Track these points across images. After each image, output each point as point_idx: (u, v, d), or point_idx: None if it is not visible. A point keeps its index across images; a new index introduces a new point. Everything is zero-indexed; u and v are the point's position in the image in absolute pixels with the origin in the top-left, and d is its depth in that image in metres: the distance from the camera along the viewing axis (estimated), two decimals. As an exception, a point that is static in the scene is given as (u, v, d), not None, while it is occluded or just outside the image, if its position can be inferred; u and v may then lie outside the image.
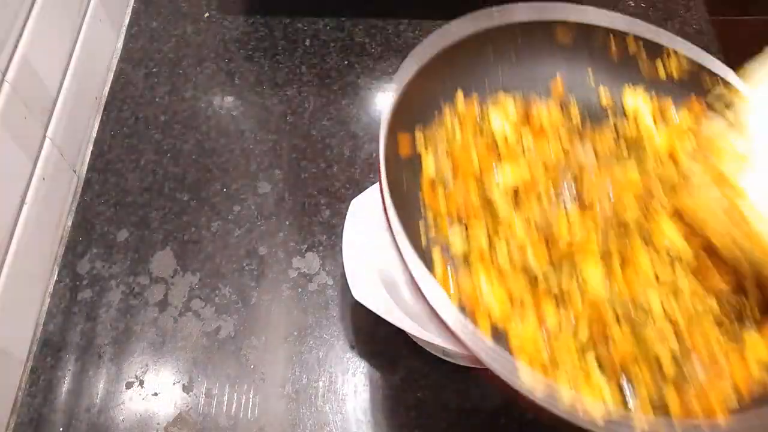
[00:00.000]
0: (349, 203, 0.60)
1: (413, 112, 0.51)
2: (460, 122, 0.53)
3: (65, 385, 0.61)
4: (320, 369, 0.61)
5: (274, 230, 0.69)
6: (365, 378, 0.61)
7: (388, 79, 0.80)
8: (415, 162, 0.51)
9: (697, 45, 0.82)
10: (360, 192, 0.61)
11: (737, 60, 0.90)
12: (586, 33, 0.57)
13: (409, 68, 0.50)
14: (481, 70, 0.56)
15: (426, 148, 0.51)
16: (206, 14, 0.86)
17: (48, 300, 0.65)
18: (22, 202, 0.63)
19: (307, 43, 0.83)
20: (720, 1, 0.97)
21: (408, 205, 0.48)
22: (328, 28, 0.84)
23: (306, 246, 0.68)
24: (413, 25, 0.84)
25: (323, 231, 0.68)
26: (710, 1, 0.86)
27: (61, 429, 0.58)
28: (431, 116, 0.53)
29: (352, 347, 0.62)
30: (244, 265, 0.67)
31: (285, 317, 0.64)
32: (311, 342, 0.62)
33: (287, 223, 0.69)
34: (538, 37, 0.56)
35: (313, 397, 0.60)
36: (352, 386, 0.60)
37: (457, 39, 0.53)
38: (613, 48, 0.58)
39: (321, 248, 0.67)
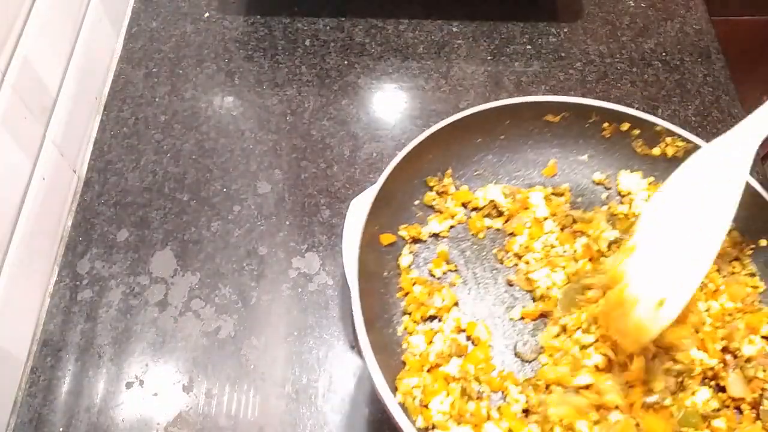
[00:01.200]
0: (349, 203, 0.60)
1: (398, 203, 0.51)
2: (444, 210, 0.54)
3: (65, 385, 0.61)
4: (320, 369, 0.61)
5: (274, 230, 0.69)
6: (365, 378, 0.61)
7: (388, 79, 0.80)
8: (396, 249, 0.51)
9: (697, 45, 0.82)
10: (360, 192, 0.61)
11: (737, 60, 0.90)
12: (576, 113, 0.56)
13: (393, 163, 0.50)
14: (470, 154, 0.55)
15: (409, 243, 0.52)
16: (206, 14, 0.86)
17: (48, 300, 0.65)
18: (22, 202, 0.63)
19: (307, 43, 0.83)
20: (720, 1, 0.97)
21: (385, 292, 0.48)
22: (328, 28, 0.84)
23: (306, 246, 0.68)
24: (413, 25, 0.84)
25: (323, 231, 0.68)
26: (710, 1, 0.87)
27: (61, 429, 0.58)
28: (413, 206, 0.53)
29: (352, 347, 0.62)
30: (244, 265, 0.67)
31: (285, 317, 0.64)
32: (311, 342, 0.62)
33: (287, 223, 0.69)
34: (527, 117, 0.55)
35: (313, 397, 0.60)
36: (352, 386, 0.60)
37: (443, 125, 0.52)
38: (606, 129, 0.56)
39: (321, 248, 0.67)
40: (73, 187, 0.72)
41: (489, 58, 0.81)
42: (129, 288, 0.65)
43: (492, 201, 0.55)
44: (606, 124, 0.56)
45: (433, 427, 0.44)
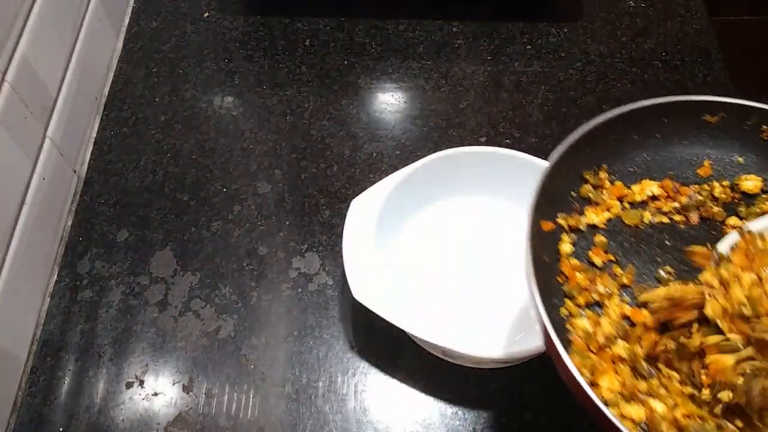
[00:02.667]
0: (349, 203, 0.60)
1: (555, 192, 0.52)
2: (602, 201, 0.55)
3: (65, 385, 0.61)
4: (320, 369, 0.61)
5: (274, 230, 0.69)
6: (365, 378, 0.61)
7: (388, 79, 0.80)
8: (555, 235, 0.52)
9: (697, 45, 0.82)
10: (360, 192, 0.61)
11: (737, 60, 0.90)
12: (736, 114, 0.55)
13: (557, 152, 0.51)
14: (625, 150, 0.55)
15: (566, 231, 0.53)
16: (206, 14, 0.86)
17: (48, 300, 0.65)
18: (22, 202, 0.63)
19: (307, 43, 0.83)
20: (720, 1, 0.97)
21: (547, 275, 0.49)
22: (328, 28, 0.84)
23: (306, 246, 0.68)
24: (413, 25, 0.84)
25: (323, 231, 0.69)
26: (710, 1, 0.87)
27: (61, 429, 0.58)
28: (570, 197, 0.54)
29: (352, 347, 0.62)
30: (244, 265, 0.67)
31: (285, 317, 0.64)
32: (311, 342, 0.62)
33: (287, 223, 0.69)
34: (686, 118, 0.55)
35: (313, 397, 0.60)
36: (352, 386, 0.60)
37: (602, 121, 0.52)
38: (765, 132, 0.55)
39: (321, 248, 0.67)
40: (73, 187, 0.72)
41: (489, 58, 0.81)
42: (129, 288, 0.65)
43: (651, 194, 0.55)
44: (765, 127, 0.56)
45: (606, 404, 0.44)
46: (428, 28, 0.84)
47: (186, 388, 0.60)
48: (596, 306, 0.51)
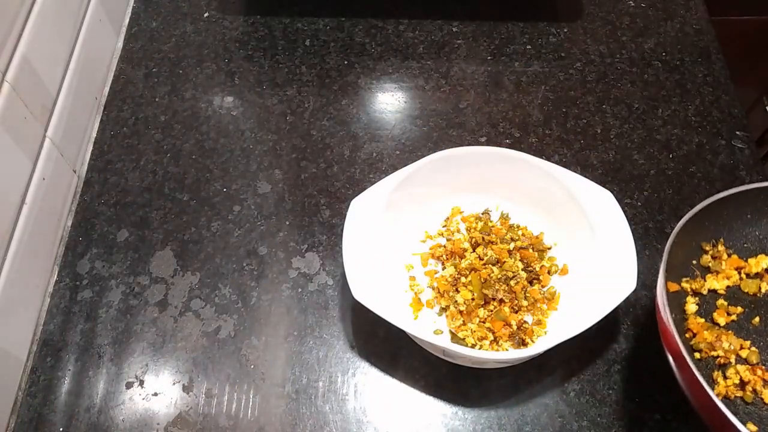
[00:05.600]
0: (349, 203, 0.60)
1: (678, 260, 0.57)
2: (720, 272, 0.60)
3: (65, 385, 0.61)
4: (320, 369, 0.61)
5: (274, 230, 0.69)
6: (365, 378, 0.61)
7: (388, 79, 0.80)
8: (680, 297, 0.58)
9: (697, 45, 0.83)
10: (360, 192, 0.61)
11: (737, 60, 0.90)
12: None
13: (680, 223, 0.55)
14: (740, 227, 0.61)
15: (690, 294, 0.58)
16: (206, 14, 0.86)
17: (48, 300, 0.65)
18: (22, 202, 0.63)
19: (307, 43, 0.83)
20: (720, 1, 0.97)
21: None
22: (328, 28, 0.84)
23: (306, 246, 0.68)
24: (413, 25, 0.84)
25: (323, 231, 0.68)
26: (710, 1, 0.87)
27: (61, 429, 0.58)
28: (692, 265, 0.60)
29: (352, 347, 0.62)
30: (244, 265, 0.67)
31: (285, 317, 0.64)
32: (311, 342, 0.62)
33: (287, 223, 0.69)
34: None
35: (313, 397, 0.60)
36: (352, 386, 0.60)
37: (719, 198, 0.57)
38: None
39: (321, 248, 0.67)
40: (73, 187, 0.72)
41: (489, 58, 0.81)
42: (129, 288, 0.65)
43: (766, 267, 0.60)
44: None
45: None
46: (428, 28, 0.84)
47: (186, 388, 0.60)
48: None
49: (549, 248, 0.65)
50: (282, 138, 0.75)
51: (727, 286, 0.59)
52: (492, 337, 0.59)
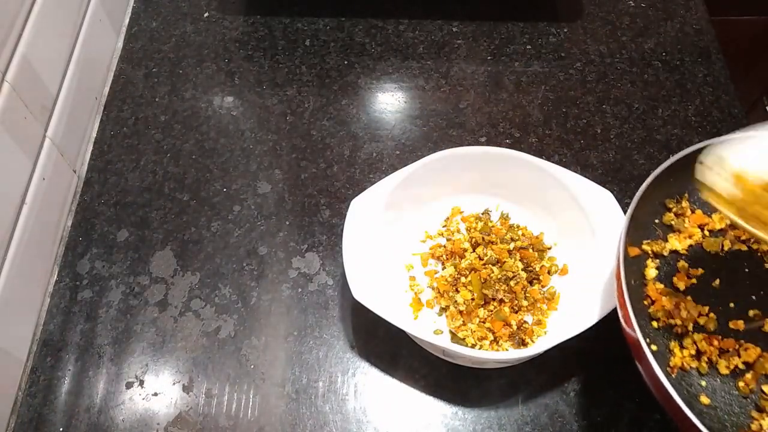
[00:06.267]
0: (349, 203, 0.60)
1: (640, 220, 0.56)
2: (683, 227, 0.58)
3: (65, 385, 0.61)
4: (320, 369, 0.61)
5: (274, 230, 0.69)
6: (365, 378, 0.61)
7: (388, 79, 0.80)
8: (641, 261, 0.56)
9: (697, 45, 0.82)
10: (360, 192, 0.61)
11: (737, 60, 0.90)
12: None
13: (646, 182, 0.55)
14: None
15: (651, 257, 0.57)
16: (206, 14, 0.86)
17: (48, 300, 0.65)
18: (22, 202, 0.63)
19: (307, 43, 0.83)
20: (720, 1, 0.97)
21: (633, 298, 0.53)
22: (328, 28, 0.84)
23: (306, 246, 0.68)
24: (413, 25, 0.84)
25: (323, 231, 0.69)
26: (710, 1, 0.87)
27: (61, 429, 0.58)
28: (654, 224, 0.58)
29: (352, 347, 0.62)
30: (244, 265, 0.67)
31: (285, 317, 0.64)
32: (311, 342, 0.62)
33: (287, 223, 0.69)
34: None
35: (313, 397, 0.60)
36: (352, 386, 0.60)
37: (685, 154, 0.56)
38: None
39: (321, 248, 0.67)
40: (73, 187, 0.72)
41: (489, 58, 0.81)
42: (129, 288, 0.65)
43: (730, 222, 0.59)
44: None
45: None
46: (428, 28, 0.84)
47: (186, 388, 0.60)
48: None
49: (549, 248, 0.65)
50: (282, 138, 0.75)
51: (690, 245, 0.57)
52: (492, 337, 0.59)
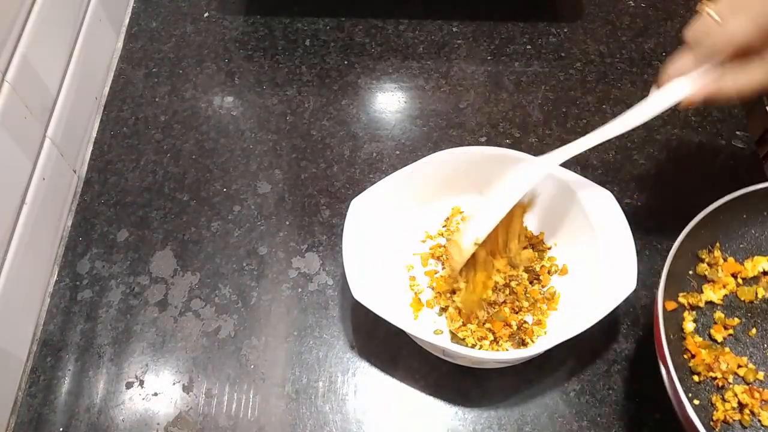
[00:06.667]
0: (349, 203, 0.60)
1: (675, 273, 0.56)
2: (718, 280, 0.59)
3: (65, 385, 0.61)
4: (320, 369, 0.61)
5: (274, 230, 0.69)
6: (365, 378, 0.61)
7: (388, 79, 0.80)
8: (678, 314, 0.57)
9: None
10: (360, 192, 0.61)
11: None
12: None
13: (681, 236, 0.55)
14: (735, 228, 0.61)
15: (687, 309, 0.58)
16: (206, 14, 0.86)
17: (48, 300, 0.65)
18: (22, 202, 0.63)
19: (307, 43, 0.83)
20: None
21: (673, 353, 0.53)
22: (328, 28, 0.84)
23: (306, 246, 0.68)
24: (413, 25, 0.84)
25: (323, 231, 0.68)
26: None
27: (61, 429, 0.58)
28: (688, 276, 0.59)
29: (352, 347, 0.62)
30: (244, 265, 0.67)
31: (285, 317, 0.64)
32: (311, 342, 0.62)
33: (287, 223, 0.69)
34: None
35: (313, 397, 0.60)
36: (352, 386, 0.60)
37: (717, 206, 0.57)
38: None
39: (321, 248, 0.67)
40: (73, 187, 0.72)
41: (489, 58, 0.81)
42: (129, 288, 0.65)
43: (763, 270, 0.60)
44: None
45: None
46: (428, 28, 0.84)
47: (186, 388, 0.60)
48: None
49: (549, 248, 0.65)
50: (282, 138, 0.75)
51: (724, 295, 0.59)
52: (492, 337, 0.59)
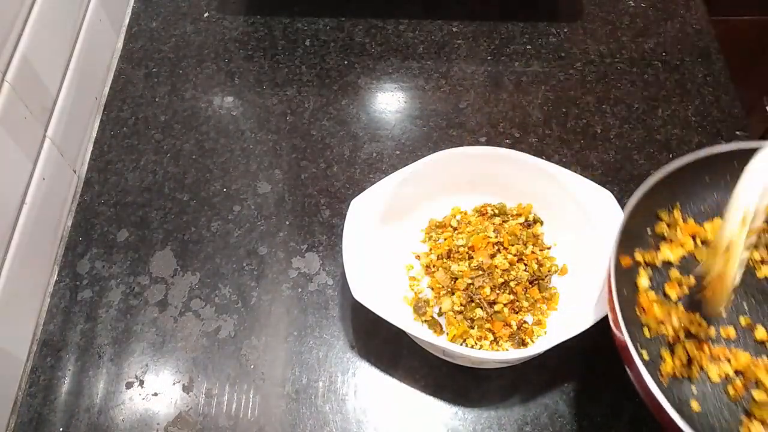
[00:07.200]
0: (349, 203, 0.60)
1: (633, 230, 0.56)
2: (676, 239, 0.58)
3: (65, 385, 0.61)
4: (320, 369, 0.61)
5: (274, 230, 0.69)
6: (365, 378, 0.61)
7: (388, 79, 0.80)
8: (633, 270, 0.56)
9: (697, 45, 0.82)
10: (360, 192, 0.61)
11: (737, 60, 0.90)
12: None
13: (638, 193, 0.55)
14: (697, 191, 0.59)
15: (643, 266, 0.57)
16: (206, 14, 0.86)
17: (48, 300, 0.65)
18: (22, 202, 0.63)
19: (307, 43, 0.83)
20: (720, 1, 0.97)
21: (625, 308, 0.52)
22: (328, 28, 0.84)
23: (306, 246, 0.68)
24: (413, 25, 0.84)
25: (323, 231, 0.68)
26: (710, 1, 0.86)
27: (61, 429, 0.58)
28: (646, 234, 0.58)
29: (352, 347, 0.62)
30: (244, 265, 0.67)
31: (285, 317, 0.64)
32: (311, 342, 0.62)
33: (287, 223, 0.69)
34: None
35: (313, 397, 0.60)
36: (352, 386, 0.60)
37: (678, 165, 0.56)
38: None
39: (321, 248, 0.67)
40: (73, 187, 0.72)
41: (489, 58, 0.81)
42: (129, 288, 0.65)
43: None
44: None
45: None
46: (428, 28, 0.84)
47: (186, 388, 0.60)
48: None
49: (549, 248, 0.65)
50: (282, 138, 0.75)
51: (682, 256, 0.58)
52: (492, 337, 0.59)
